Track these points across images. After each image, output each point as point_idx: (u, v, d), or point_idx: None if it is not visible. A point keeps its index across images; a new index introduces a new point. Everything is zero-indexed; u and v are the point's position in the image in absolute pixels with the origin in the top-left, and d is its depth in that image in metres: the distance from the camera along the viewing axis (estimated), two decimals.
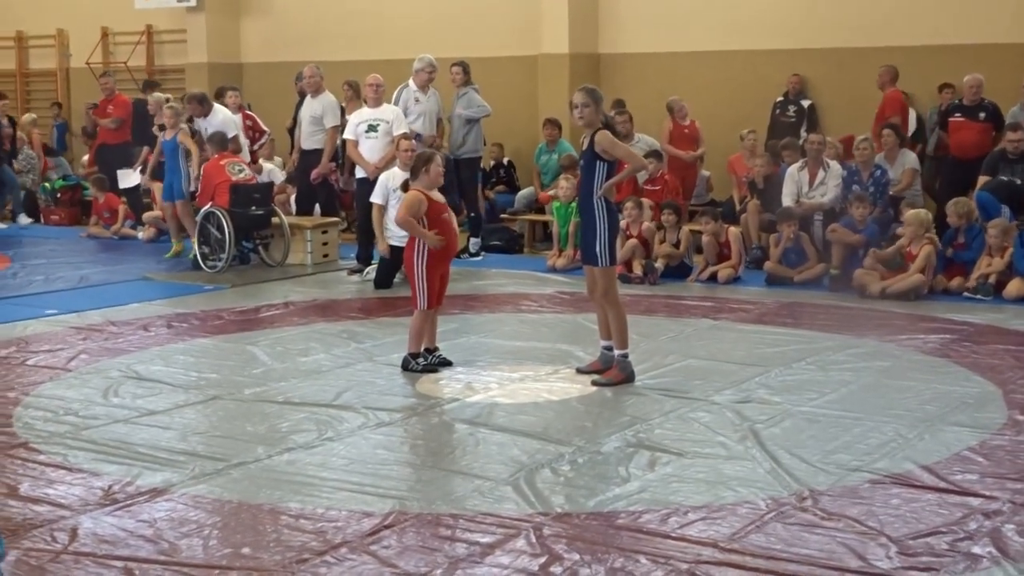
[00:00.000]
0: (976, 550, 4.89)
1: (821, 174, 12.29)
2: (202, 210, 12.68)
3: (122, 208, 15.92)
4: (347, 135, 12.61)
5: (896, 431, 6.56)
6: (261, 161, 14.75)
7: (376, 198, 11.41)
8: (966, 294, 10.75)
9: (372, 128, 12.30)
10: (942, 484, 5.71)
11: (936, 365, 8.21)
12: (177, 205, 13.38)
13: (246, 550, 5.00)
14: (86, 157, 18.40)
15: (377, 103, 12.45)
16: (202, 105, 13.55)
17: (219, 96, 14.48)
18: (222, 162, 12.74)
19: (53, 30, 21.27)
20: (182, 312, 10.46)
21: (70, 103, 21.14)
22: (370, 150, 12.28)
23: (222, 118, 13.50)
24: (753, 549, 4.92)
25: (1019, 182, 11.70)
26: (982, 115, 12.86)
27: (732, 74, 15.49)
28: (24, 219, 17.18)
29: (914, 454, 6.17)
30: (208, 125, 13.42)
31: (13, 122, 17.44)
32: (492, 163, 16.20)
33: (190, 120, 13.57)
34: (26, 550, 4.99)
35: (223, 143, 12.95)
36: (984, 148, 12.68)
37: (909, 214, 10.99)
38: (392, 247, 11.14)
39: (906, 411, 6.99)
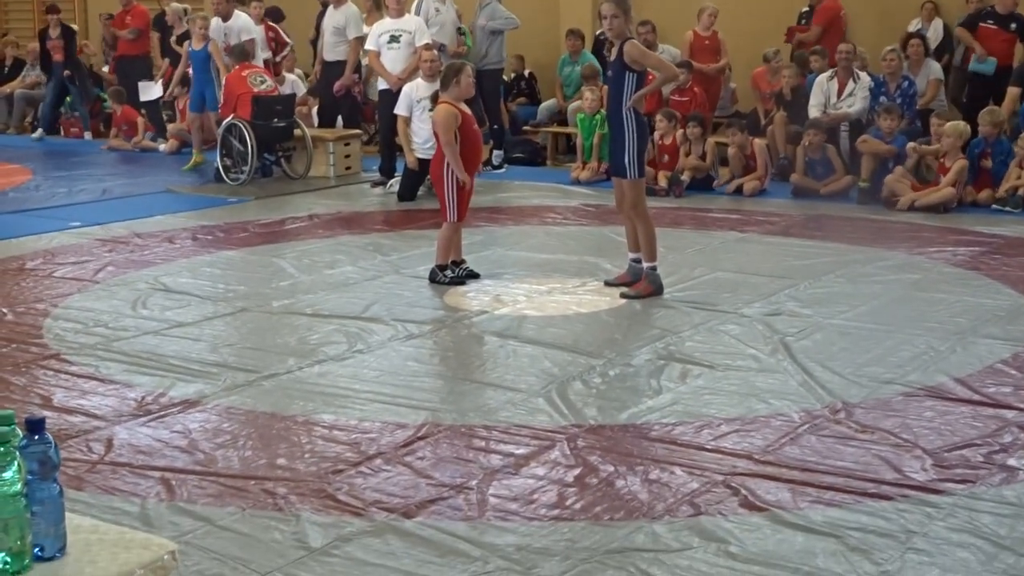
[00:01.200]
0: (1012, 462, 4.87)
1: (850, 84, 12.14)
2: (224, 122, 12.62)
3: (141, 120, 15.86)
4: (369, 46, 12.49)
5: (928, 344, 6.53)
6: (284, 73, 14.65)
7: (400, 110, 11.34)
8: (995, 206, 10.67)
9: (394, 39, 12.18)
10: (976, 397, 5.69)
11: (967, 277, 8.15)
12: (209, 116, 13.33)
13: (281, 461, 5.01)
14: (105, 68, 18.30)
15: (399, 13, 12.32)
16: (228, 2, 13.42)
17: (241, 3, 14.34)
18: (244, 73, 12.64)
19: None
20: (206, 224, 10.45)
21: (87, 15, 20.97)
22: (392, 61, 12.17)
23: (243, 22, 13.39)
24: (788, 461, 4.92)
25: None
26: (1013, 26, 12.67)
27: None
28: (38, 132, 17.09)
29: (947, 367, 6.14)
30: (228, 29, 13.32)
31: (71, 32, 17.20)
32: (513, 75, 16.04)
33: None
34: (63, 461, 4.96)
35: (244, 54, 12.85)
36: (1010, 59, 12.54)
37: (948, 126, 10.84)
38: (419, 159, 11.09)
39: (937, 324, 6.95)
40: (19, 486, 2.31)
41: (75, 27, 17.94)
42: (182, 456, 5.08)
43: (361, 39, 13.24)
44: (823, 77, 12.27)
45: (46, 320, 7.30)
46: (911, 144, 10.91)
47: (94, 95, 17.45)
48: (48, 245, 9.56)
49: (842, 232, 9.82)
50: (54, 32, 16.74)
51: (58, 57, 16.65)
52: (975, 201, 10.80)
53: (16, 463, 2.31)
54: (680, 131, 12.08)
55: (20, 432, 2.38)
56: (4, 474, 2.29)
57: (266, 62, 13.62)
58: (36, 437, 2.39)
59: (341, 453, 5.09)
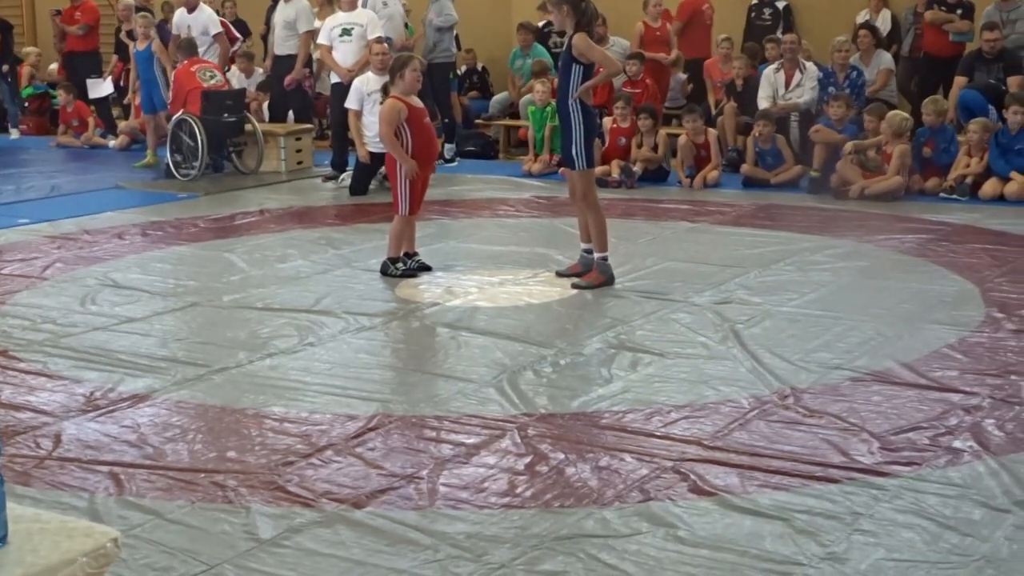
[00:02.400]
0: (957, 444, 4.92)
1: (798, 75, 12.25)
2: (173, 118, 12.54)
3: (92, 117, 15.74)
4: (320, 40, 12.46)
5: (876, 329, 6.59)
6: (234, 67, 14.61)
7: (351, 103, 11.32)
8: (943, 195, 10.78)
9: (346, 32, 12.15)
10: (922, 381, 5.75)
11: (914, 264, 8.23)
12: (162, 116, 13.26)
13: (231, 454, 5.00)
14: (54, 65, 18.14)
15: (351, 7, 12.29)
16: None
17: None
18: (192, 68, 12.57)
19: None
20: (157, 220, 10.39)
21: (34, 10, 20.78)
22: (344, 55, 12.15)
23: (207, 16, 13.33)
24: (737, 446, 4.95)
25: (996, 83, 11.69)
26: (959, 12, 12.80)
27: None
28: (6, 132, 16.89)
29: (894, 352, 6.20)
30: (191, 21, 13.26)
31: (7, 27, 16.99)
32: (464, 68, 16.05)
33: (165, 21, 13.39)
34: (11, 456, 4.97)
35: (193, 49, 12.78)
36: (958, 48, 12.69)
37: (889, 115, 10.93)
38: (371, 153, 11.07)
39: (885, 310, 7.02)
40: None
41: (11, 23, 17.71)
42: (131, 451, 5.05)
43: (312, 33, 13.21)
44: (770, 69, 12.37)
45: None
46: (849, 143, 10.99)
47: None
48: None
49: (792, 221, 9.89)
50: None
51: None
52: (923, 189, 10.91)
53: None
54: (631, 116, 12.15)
55: None
56: None
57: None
58: None
59: (292, 445, 5.08)
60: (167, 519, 4.36)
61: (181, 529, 4.28)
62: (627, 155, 12.01)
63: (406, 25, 13.41)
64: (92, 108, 15.88)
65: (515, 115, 14.83)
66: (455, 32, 13.85)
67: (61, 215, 10.58)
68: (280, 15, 13.66)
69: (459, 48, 15.60)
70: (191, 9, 13.36)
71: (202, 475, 4.77)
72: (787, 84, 12.28)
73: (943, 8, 12.86)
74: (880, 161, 10.86)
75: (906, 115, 11.08)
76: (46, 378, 6.07)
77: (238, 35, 15.32)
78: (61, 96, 16.04)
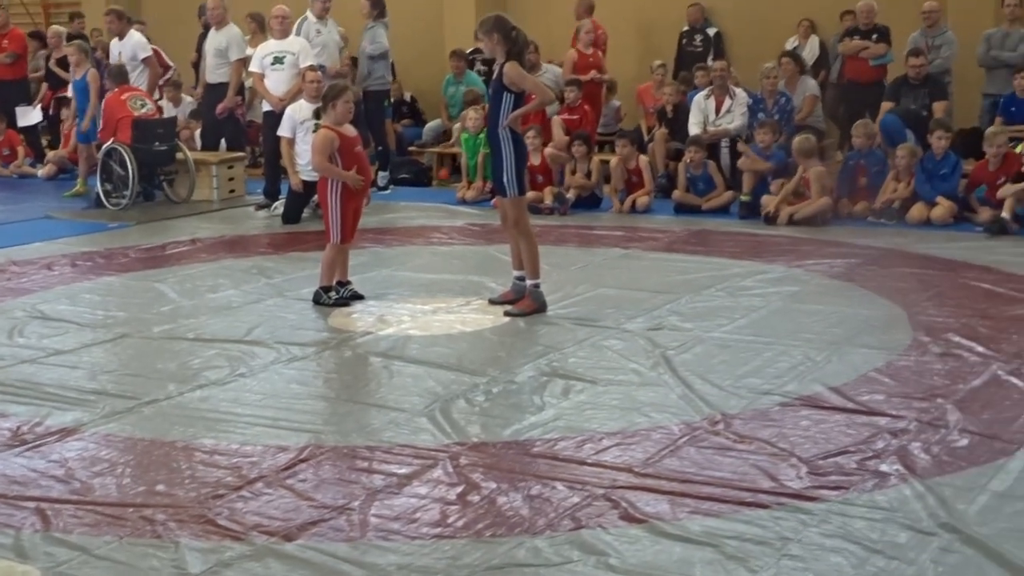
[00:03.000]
0: (884, 468, 4.98)
1: (728, 102, 12.38)
2: (104, 146, 12.44)
3: (21, 146, 15.57)
4: (253, 68, 12.42)
5: (805, 354, 6.66)
6: (166, 96, 14.54)
7: (284, 131, 11.30)
8: (871, 219, 10.91)
9: (278, 60, 12.12)
10: (850, 405, 5.81)
11: (842, 289, 8.33)
12: (92, 145, 13.14)
13: (161, 487, 4.95)
14: None
15: (283, 35, 12.27)
16: (120, 20, 13.29)
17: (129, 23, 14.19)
18: (123, 96, 12.49)
19: None
20: (86, 250, 10.29)
21: None
22: (276, 83, 12.11)
23: (136, 41, 13.26)
24: (667, 473, 4.98)
25: (919, 108, 11.87)
26: (875, 36, 13.00)
27: (639, 3, 15.47)
28: None
29: (822, 376, 6.26)
30: (122, 48, 13.18)
31: None
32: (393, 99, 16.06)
33: (95, 50, 13.30)
34: None
35: (123, 76, 12.70)
36: (880, 72, 12.91)
37: (796, 141, 11.07)
38: (304, 181, 11.05)
39: (814, 335, 7.09)
40: None
41: None
42: (58, 486, 4.99)
43: (243, 61, 13.16)
44: (700, 96, 12.51)
45: None
46: (779, 181, 11.10)
47: None
48: None
49: (723, 247, 9.98)
50: None
51: None
52: (851, 213, 11.04)
53: None
54: (550, 150, 12.19)
55: None
56: None
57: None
58: None
59: (222, 478, 5.04)
60: (94, 555, 4.31)
61: (108, 565, 4.24)
62: (547, 185, 12.03)
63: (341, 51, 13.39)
64: (21, 137, 15.70)
65: (448, 142, 14.84)
66: (391, 60, 13.85)
67: None
68: (211, 43, 13.61)
69: (394, 76, 15.62)
70: (121, 36, 13.29)
71: (131, 509, 4.72)
72: (717, 110, 12.41)
73: (857, 36, 13.06)
74: (804, 187, 10.96)
75: (811, 136, 11.18)
76: None
77: (170, 63, 15.26)
78: None
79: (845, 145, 12.36)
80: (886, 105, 12.10)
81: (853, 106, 12.85)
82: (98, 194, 12.50)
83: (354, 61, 14.01)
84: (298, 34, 12.63)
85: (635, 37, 15.25)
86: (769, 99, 12.30)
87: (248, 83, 13.29)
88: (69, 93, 13.97)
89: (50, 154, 15.38)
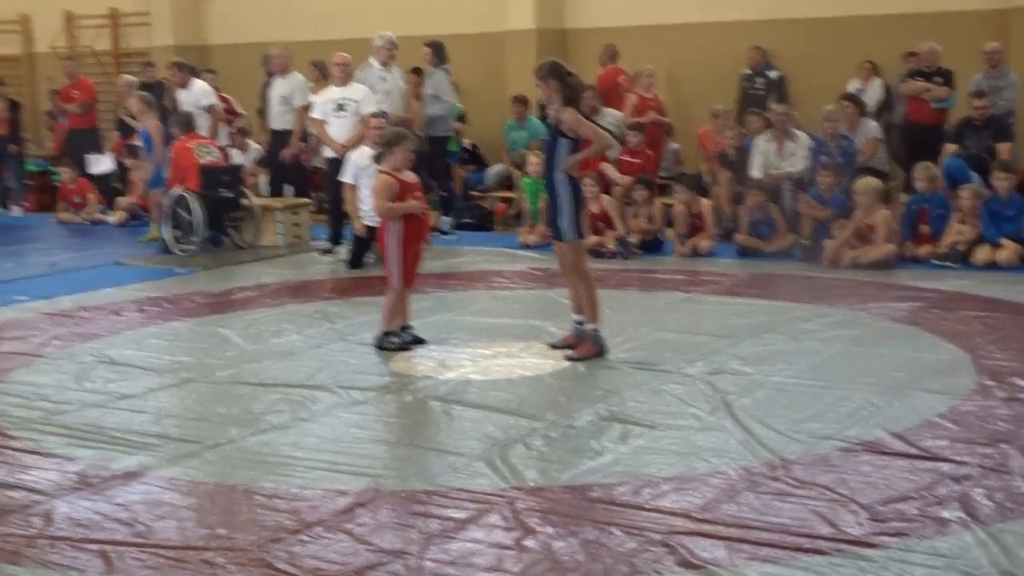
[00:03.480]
0: (945, 514, 4.93)
1: (789, 145, 12.36)
2: (171, 193, 12.65)
3: (92, 193, 15.85)
4: (315, 115, 12.58)
5: (866, 399, 6.62)
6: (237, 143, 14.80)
7: (346, 177, 11.42)
8: (935, 261, 10.83)
9: (340, 107, 12.27)
10: (912, 450, 5.76)
11: (906, 333, 8.26)
12: (158, 192, 13.38)
13: (221, 531, 5.01)
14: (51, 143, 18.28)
15: (345, 82, 12.42)
16: (181, 71, 13.53)
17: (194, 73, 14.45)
18: (189, 144, 12.70)
19: (15, 15, 21.09)
20: (154, 296, 10.43)
21: (34, 88, 20.98)
22: (338, 129, 12.25)
23: (199, 89, 13.47)
24: (725, 519, 4.96)
25: (983, 150, 11.79)
26: (938, 79, 12.93)
27: (699, 47, 15.51)
28: (8, 210, 16.97)
29: (884, 421, 6.22)
30: (186, 97, 13.40)
31: (16, 105, 17.14)
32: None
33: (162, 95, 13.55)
34: (2, 535, 4.99)
35: (189, 124, 12.91)
36: (942, 115, 12.84)
37: (859, 184, 11.05)
38: (367, 226, 11.15)
39: (876, 379, 7.04)
40: None
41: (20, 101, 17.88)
42: (121, 528, 5.07)
43: (307, 108, 13.33)
44: (761, 139, 12.49)
45: None
46: (839, 221, 11.05)
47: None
48: None
49: (785, 290, 9.94)
50: (0, 105, 16.71)
51: (3, 131, 16.59)
52: (915, 256, 10.96)
53: None
54: (607, 197, 12.22)
55: None
56: None
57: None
58: None
59: (281, 521, 5.09)
60: None
61: None
62: (611, 225, 12.07)
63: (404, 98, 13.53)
64: (92, 184, 15.99)
65: (511, 187, 14.92)
66: (460, 105, 14.00)
67: (59, 292, 10.61)
68: (276, 90, 13.83)
69: (465, 121, 15.79)
70: (185, 86, 13.52)
71: (191, 553, 4.78)
72: (779, 153, 12.38)
73: (920, 77, 12.99)
74: (865, 231, 10.91)
75: (873, 179, 11.14)
76: (39, 456, 6.08)
77: (240, 111, 15.51)
78: (64, 173, 16.15)
79: (909, 188, 12.27)
80: (949, 147, 12.03)
81: (915, 148, 12.77)
82: (165, 240, 12.69)
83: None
84: (361, 81, 12.77)
85: (695, 81, 15.28)
86: (831, 142, 12.27)
87: (312, 130, 13.45)
88: (137, 141, 14.25)
89: (121, 201, 15.65)
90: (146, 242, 13.55)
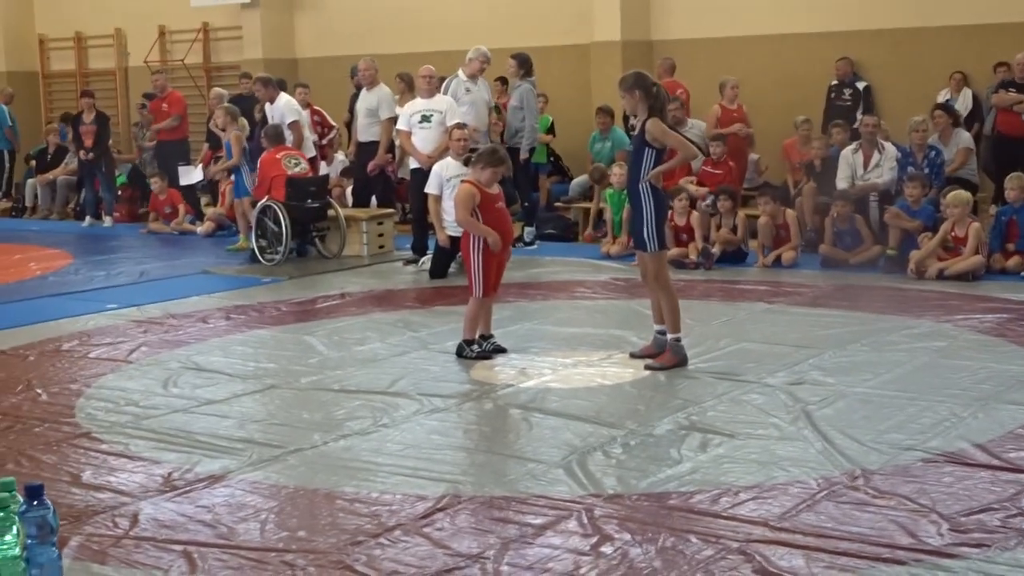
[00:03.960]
0: None
1: (876, 156, 12.25)
2: (259, 204, 12.84)
3: (183, 204, 16.13)
4: (400, 126, 12.68)
5: (950, 410, 6.55)
6: (330, 154, 14.99)
7: (431, 188, 11.50)
8: (1023, 274, 10.67)
9: (426, 119, 12.36)
10: (995, 462, 5.69)
11: (992, 344, 8.16)
12: (244, 202, 13.59)
13: (302, 533, 5.08)
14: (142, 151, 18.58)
15: (430, 94, 12.52)
16: (266, 87, 13.73)
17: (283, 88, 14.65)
18: (278, 155, 12.88)
19: (111, 30, 21.55)
20: (240, 304, 10.60)
21: (128, 102, 21.40)
22: (423, 140, 12.35)
23: (283, 104, 13.65)
24: (804, 527, 4.94)
25: None
26: None
27: (785, 58, 15.44)
28: (100, 220, 17.29)
29: (967, 432, 6.15)
30: (273, 111, 13.60)
31: (104, 118, 17.54)
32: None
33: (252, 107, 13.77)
34: (88, 535, 5.11)
35: (279, 137, 13.09)
36: None
37: (949, 196, 10.91)
38: (450, 237, 11.23)
39: (961, 390, 6.96)
40: (18, 549, 2.40)
41: (108, 114, 18.20)
42: (205, 530, 5.16)
43: (393, 119, 13.45)
44: (848, 150, 12.39)
45: (79, 400, 7.43)
46: (924, 235, 10.93)
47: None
48: (84, 327, 9.72)
49: (869, 301, 9.85)
50: (87, 117, 17.04)
51: (88, 143, 16.93)
52: (1004, 268, 10.81)
53: (15, 527, 2.40)
54: (693, 211, 12.19)
55: (20, 498, 2.47)
56: (4, 537, 2.38)
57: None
58: (35, 503, 2.48)
59: (361, 525, 5.15)
60: None
61: None
62: (692, 237, 12.05)
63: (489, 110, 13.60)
64: (181, 195, 16.27)
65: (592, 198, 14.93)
66: (547, 116, 14.04)
67: (148, 300, 10.83)
68: (363, 102, 13.97)
69: (554, 133, 15.85)
70: (271, 101, 13.70)
71: (272, 554, 4.85)
72: (865, 165, 12.28)
73: (1012, 89, 12.81)
74: (952, 243, 10.78)
75: (963, 191, 11.01)
76: (127, 459, 6.22)
77: (333, 123, 15.70)
78: (155, 184, 16.44)
79: (998, 199, 12.11)
80: None
81: (1004, 160, 12.60)
82: (253, 250, 12.89)
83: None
84: (447, 92, 12.87)
85: (781, 92, 15.19)
86: (918, 153, 12.14)
87: (397, 141, 13.57)
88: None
89: (209, 211, 15.91)
90: (234, 252, 13.76)
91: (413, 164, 12.52)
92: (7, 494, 2.40)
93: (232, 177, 14.18)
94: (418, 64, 13.18)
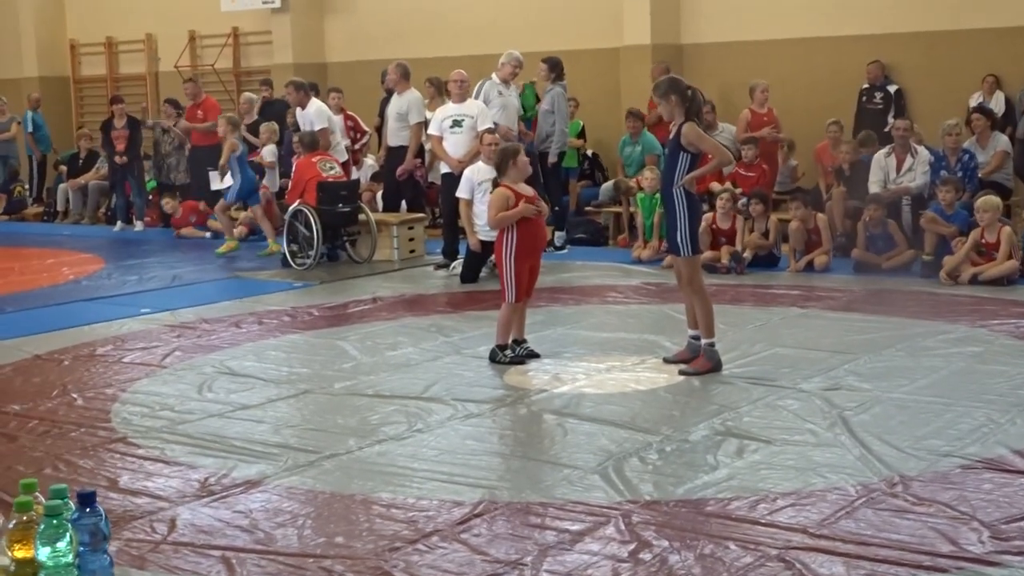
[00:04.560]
0: None
1: (909, 160, 12.19)
2: (290, 208, 12.87)
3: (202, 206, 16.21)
4: (432, 131, 12.70)
5: (988, 416, 6.51)
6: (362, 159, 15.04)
7: (462, 193, 11.51)
8: None
9: (457, 124, 12.38)
10: None
11: None
12: (273, 204, 13.66)
13: (339, 539, 5.09)
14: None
15: (461, 99, 12.52)
16: (298, 92, 13.77)
17: (317, 93, 14.71)
18: (314, 159, 12.94)
19: (142, 35, 21.64)
20: (272, 309, 10.62)
21: (159, 106, 21.49)
22: (455, 145, 12.36)
23: (316, 108, 13.69)
24: (843, 535, 4.91)
25: None
26: None
27: (816, 61, 15.37)
28: (131, 224, 17.38)
29: (1006, 439, 6.11)
30: (303, 117, 13.64)
31: (136, 123, 17.63)
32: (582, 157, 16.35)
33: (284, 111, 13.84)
34: (127, 540, 5.12)
35: (314, 143, 13.13)
36: None
37: (980, 201, 10.84)
38: (482, 241, 11.23)
39: (998, 396, 6.92)
40: (71, 556, 2.41)
41: (140, 118, 18.26)
42: (242, 535, 5.17)
43: (423, 124, 13.47)
44: (880, 154, 12.33)
45: (114, 404, 7.46)
46: (957, 240, 10.87)
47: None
48: (118, 331, 9.76)
49: (904, 306, 9.80)
50: (119, 123, 17.13)
51: (120, 147, 17.02)
52: None
53: (68, 534, 2.41)
54: (737, 215, 12.16)
55: (72, 505, 2.48)
56: (57, 544, 2.39)
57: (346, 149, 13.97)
58: (87, 510, 2.49)
59: (398, 531, 5.15)
60: None
61: None
62: (733, 242, 12.02)
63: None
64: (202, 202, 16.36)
65: (621, 203, 14.92)
66: (577, 120, 14.01)
67: (181, 304, 10.87)
68: (393, 107, 13.99)
69: (585, 138, 15.85)
70: (303, 106, 13.75)
71: (310, 560, 4.86)
72: (898, 169, 12.22)
73: None
74: (985, 248, 10.72)
75: (995, 196, 10.94)
76: (163, 464, 6.24)
77: (366, 128, 15.72)
78: (167, 205, 16.69)
79: None
80: None
81: None
82: (284, 254, 12.92)
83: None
84: (478, 95, 12.87)
85: (813, 95, 15.13)
86: (952, 156, 12.07)
87: (428, 146, 13.58)
88: (259, 158, 14.57)
89: (240, 216, 15.95)
90: (264, 256, 13.78)
91: (444, 169, 12.55)
92: (60, 501, 2.41)
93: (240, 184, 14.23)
94: (448, 68, 13.20)
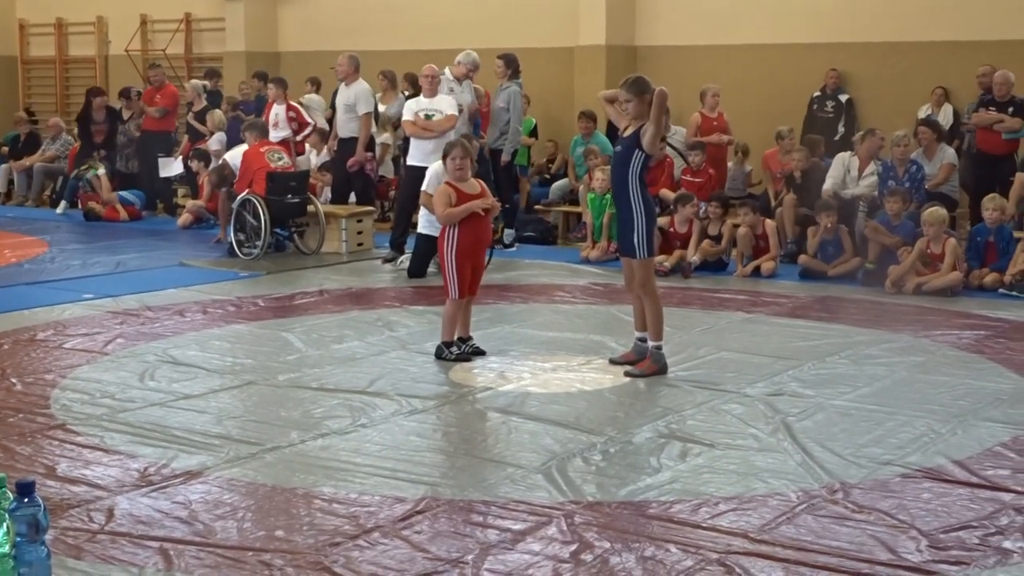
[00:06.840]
0: (1007, 545, 4.88)
1: (872, 165, 12.27)
2: (238, 197, 12.78)
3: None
4: (407, 118, 12.45)
5: (928, 426, 6.56)
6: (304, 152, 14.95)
7: (428, 188, 11.41)
8: (1001, 291, 10.71)
9: (428, 117, 12.29)
10: (974, 479, 5.70)
11: (970, 361, 8.18)
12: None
13: (280, 533, 5.05)
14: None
15: (432, 93, 12.43)
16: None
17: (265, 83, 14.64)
18: (262, 149, 12.84)
19: (93, 17, 21.43)
20: (217, 298, 10.53)
21: (108, 90, 21.26)
22: (425, 140, 12.24)
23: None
24: (783, 540, 4.93)
25: None
26: (1010, 110, 12.78)
27: (769, 68, 15.48)
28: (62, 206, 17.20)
29: (946, 449, 6.16)
30: (344, 95, 13.56)
31: (116, 115, 17.41)
32: (545, 159, 16.39)
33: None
34: (63, 529, 5.05)
35: (263, 131, 13.05)
36: (1012, 145, 12.69)
37: (926, 213, 10.93)
38: (428, 237, 11.17)
39: (939, 406, 6.98)
40: (7, 547, 2.37)
41: (118, 108, 18.05)
42: (181, 527, 5.12)
43: (371, 115, 13.37)
44: (846, 154, 12.42)
45: (54, 391, 7.37)
46: (903, 250, 10.97)
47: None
48: (60, 317, 9.65)
49: (849, 314, 9.87)
50: (99, 116, 16.94)
51: (99, 140, 16.85)
52: (981, 285, 10.85)
53: (5, 524, 2.36)
54: (695, 220, 12.21)
55: (10, 495, 2.43)
56: None
57: (285, 140, 13.81)
58: (26, 500, 2.45)
59: (339, 526, 5.12)
60: None
61: None
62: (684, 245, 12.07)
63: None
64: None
65: (574, 201, 14.94)
66: (530, 118, 13.99)
67: (125, 291, 10.75)
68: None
69: (537, 136, 15.84)
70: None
71: (250, 553, 4.82)
72: (860, 170, 12.29)
73: (992, 108, 12.85)
74: (930, 259, 10.82)
75: (941, 208, 11.04)
76: (102, 452, 6.16)
77: (309, 120, 15.59)
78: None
79: (975, 217, 12.15)
80: (1021, 176, 11.90)
81: (984, 177, 12.64)
82: (231, 243, 12.82)
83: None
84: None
85: (764, 102, 15.22)
86: (900, 167, 12.16)
87: (379, 139, 13.49)
88: (205, 146, 14.45)
89: (187, 203, 15.82)
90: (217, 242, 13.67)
91: (411, 160, 12.37)
92: None
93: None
94: (403, 62, 13.19)
